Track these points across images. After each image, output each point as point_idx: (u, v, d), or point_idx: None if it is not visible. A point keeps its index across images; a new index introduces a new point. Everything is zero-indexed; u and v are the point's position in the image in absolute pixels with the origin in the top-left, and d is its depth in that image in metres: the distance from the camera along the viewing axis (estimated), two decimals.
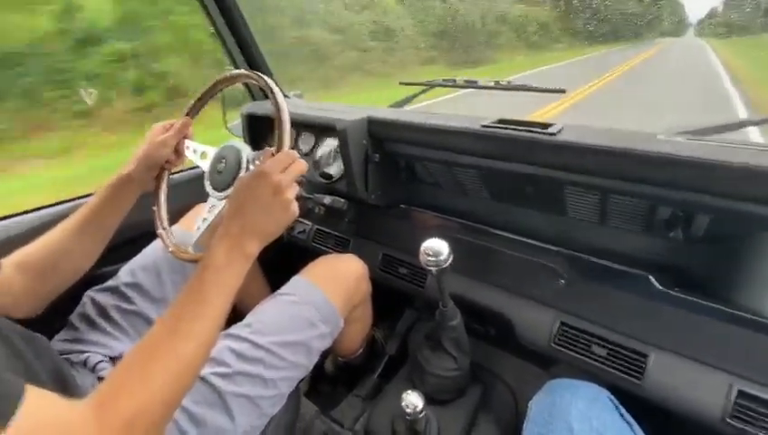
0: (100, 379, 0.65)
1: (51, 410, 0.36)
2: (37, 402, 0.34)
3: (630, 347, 0.67)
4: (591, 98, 6.13)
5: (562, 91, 0.79)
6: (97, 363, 0.67)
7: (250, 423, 0.63)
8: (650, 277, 0.66)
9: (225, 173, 0.67)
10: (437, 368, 0.86)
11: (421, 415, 0.76)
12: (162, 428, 0.43)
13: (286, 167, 0.57)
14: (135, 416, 0.39)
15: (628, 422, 0.56)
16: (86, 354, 0.69)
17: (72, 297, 0.72)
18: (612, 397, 0.59)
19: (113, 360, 0.71)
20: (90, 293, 0.78)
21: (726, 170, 0.54)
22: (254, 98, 1.27)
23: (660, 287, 0.65)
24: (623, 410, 0.58)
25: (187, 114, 0.76)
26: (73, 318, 0.75)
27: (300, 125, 1.04)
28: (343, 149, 0.90)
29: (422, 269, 0.80)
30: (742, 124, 0.66)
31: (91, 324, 0.74)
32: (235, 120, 1.22)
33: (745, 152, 0.57)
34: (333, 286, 0.79)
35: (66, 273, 0.68)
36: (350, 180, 0.93)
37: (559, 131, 0.69)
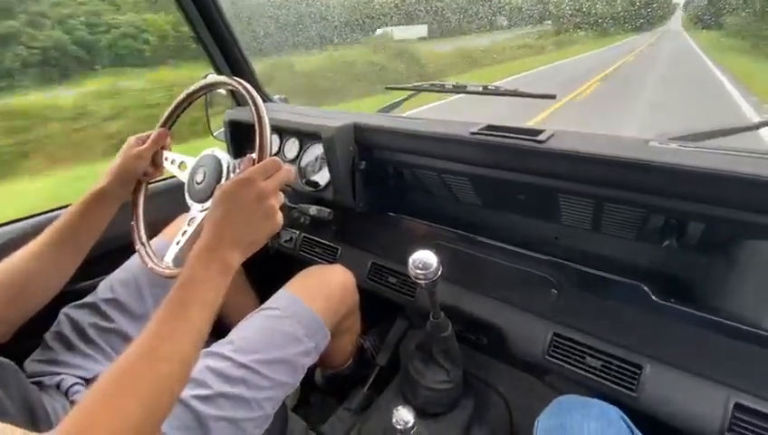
0: (73, 403, 0.62)
1: None
2: None
3: (625, 359, 0.66)
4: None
5: (552, 97, 0.77)
6: (70, 386, 0.64)
7: None
8: (644, 287, 0.65)
9: (205, 184, 0.64)
10: (430, 381, 0.84)
11: (413, 431, 0.74)
12: None
13: (271, 174, 0.54)
14: None
15: None
16: (60, 377, 0.65)
17: (46, 314, 0.68)
18: (624, 415, 0.56)
19: (88, 382, 0.68)
20: (66, 310, 0.74)
21: (719, 179, 0.53)
22: (238, 103, 1.24)
23: (655, 298, 0.64)
24: (636, 430, 0.54)
25: (163, 125, 0.73)
26: (48, 337, 0.71)
27: (284, 131, 1.01)
28: (329, 157, 0.88)
29: (412, 279, 0.78)
30: (735, 130, 0.65)
31: (67, 344, 0.71)
32: (222, 128, 1.18)
33: (738, 160, 0.55)
34: (319, 299, 0.77)
35: (37, 296, 0.64)
36: (336, 189, 0.91)
37: (548, 138, 0.67)
